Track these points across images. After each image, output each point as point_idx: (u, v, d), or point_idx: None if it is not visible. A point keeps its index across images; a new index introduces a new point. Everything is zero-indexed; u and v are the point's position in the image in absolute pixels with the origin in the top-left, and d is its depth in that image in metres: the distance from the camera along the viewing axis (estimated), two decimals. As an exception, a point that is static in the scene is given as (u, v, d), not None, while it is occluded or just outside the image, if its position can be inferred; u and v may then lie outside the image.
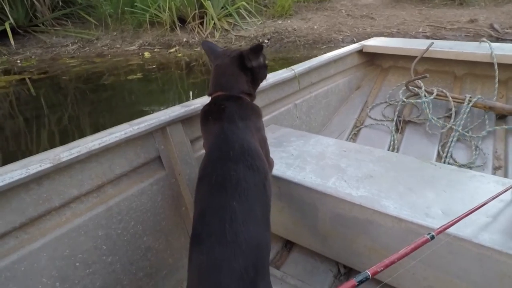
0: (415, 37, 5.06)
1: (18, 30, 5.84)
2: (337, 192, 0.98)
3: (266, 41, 5.37)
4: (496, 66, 1.70)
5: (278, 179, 1.06)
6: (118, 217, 0.94)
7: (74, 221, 0.85)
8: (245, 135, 0.80)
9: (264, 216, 0.73)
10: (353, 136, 1.83)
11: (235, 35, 5.66)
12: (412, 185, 0.99)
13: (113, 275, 0.93)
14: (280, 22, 6.07)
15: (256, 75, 0.91)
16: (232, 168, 0.72)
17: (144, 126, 0.96)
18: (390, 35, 5.17)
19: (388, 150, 1.66)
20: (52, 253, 0.80)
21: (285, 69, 1.55)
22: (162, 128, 1.02)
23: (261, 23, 5.99)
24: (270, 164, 0.92)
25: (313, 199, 1.03)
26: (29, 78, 4.48)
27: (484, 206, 0.83)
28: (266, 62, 0.93)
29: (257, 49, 0.85)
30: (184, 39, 5.66)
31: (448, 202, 0.91)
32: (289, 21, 6.12)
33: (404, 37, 5.07)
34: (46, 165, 0.75)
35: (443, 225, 0.69)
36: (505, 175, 1.41)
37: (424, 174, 1.04)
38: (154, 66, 4.73)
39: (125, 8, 5.90)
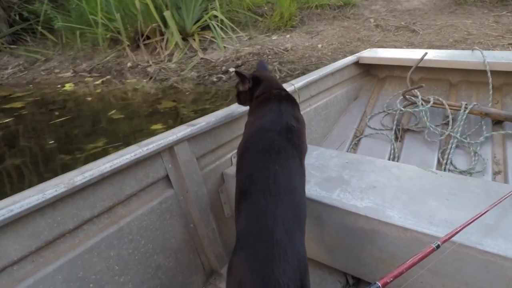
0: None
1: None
2: (343, 204, 1.00)
3: (231, 69, 3.90)
4: (489, 74, 1.75)
5: None
6: (129, 236, 0.95)
7: (87, 242, 0.87)
8: (293, 118, 0.98)
9: (300, 183, 0.87)
10: (354, 146, 1.86)
11: (201, 58, 4.25)
12: (415, 194, 1.02)
13: None
14: (275, 37, 4.57)
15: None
16: (275, 138, 0.89)
17: (152, 146, 0.99)
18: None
19: (389, 158, 1.69)
20: (67, 276, 0.82)
21: (285, 84, 1.59)
22: (169, 148, 1.05)
23: (249, 38, 4.52)
24: (305, 150, 1.06)
25: (319, 212, 1.05)
26: None
27: (486, 212, 0.86)
28: None
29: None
30: (129, 64, 4.39)
31: (451, 210, 0.93)
32: (288, 35, 4.60)
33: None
34: (61, 189, 0.78)
35: (448, 234, 0.71)
36: (505, 180, 1.44)
37: (425, 182, 1.07)
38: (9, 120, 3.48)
39: (65, 24, 4.78)
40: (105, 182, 0.90)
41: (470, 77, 1.94)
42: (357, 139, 1.89)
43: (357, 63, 2.16)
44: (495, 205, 0.87)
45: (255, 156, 0.87)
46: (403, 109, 1.84)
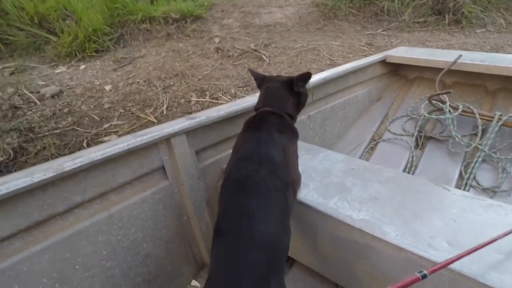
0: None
1: None
2: (338, 213, 0.95)
3: None
4: None
5: None
6: (119, 223, 0.97)
7: (76, 226, 0.89)
8: (275, 146, 0.87)
9: (282, 219, 0.78)
10: (370, 150, 1.76)
11: None
12: (419, 211, 0.93)
13: (111, 280, 0.97)
14: (62, 69, 3.12)
15: (300, 100, 1.04)
16: (254, 169, 0.80)
17: (147, 138, 0.98)
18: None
19: (405, 167, 1.58)
20: (54, 256, 0.85)
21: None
22: (166, 139, 1.05)
23: (11, 73, 3.02)
24: (295, 180, 0.95)
25: (313, 219, 1.01)
26: None
27: (498, 241, 0.76)
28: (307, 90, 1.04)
29: (306, 76, 0.98)
30: None
31: (456, 233, 0.85)
32: (84, 65, 3.17)
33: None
34: (49, 174, 0.80)
35: (439, 264, 0.64)
36: None
37: (434, 199, 0.98)
38: None
39: None
40: (97, 169, 0.91)
41: (511, 84, 1.75)
42: (374, 143, 1.79)
43: (383, 62, 2.02)
44: (507, 234, 0.78)
45: (232, 188, 0.80)
46: (427, 115, 1.70)
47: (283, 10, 4.65)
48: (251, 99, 1.27)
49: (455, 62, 1.71)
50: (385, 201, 0.98)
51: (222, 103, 2.72)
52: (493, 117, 1.55)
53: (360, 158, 1.70)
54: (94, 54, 3.40)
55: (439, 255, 0.78)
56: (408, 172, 1.55)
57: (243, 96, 2.79)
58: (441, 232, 0.85)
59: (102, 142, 2.27)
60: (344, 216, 0.93)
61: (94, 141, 2.31)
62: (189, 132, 1.10)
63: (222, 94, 2.84)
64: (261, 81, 1.07)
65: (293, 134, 0.98)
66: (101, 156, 0.88)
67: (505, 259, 0.77)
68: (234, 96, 2.83)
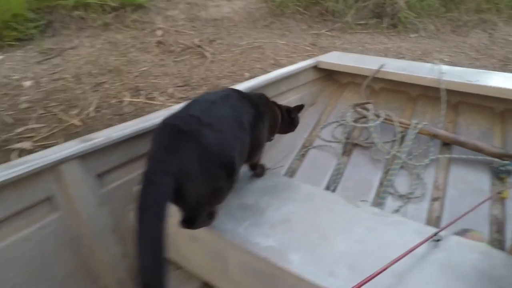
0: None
1: None
2: (245, 241, 0.90)
3: None
4: (442, 92, 1.66)
5: None
6: None
7: None
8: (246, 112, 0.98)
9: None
10: (301, 157, 1.76)
11: None
12: (327, 232, 0.92)
13: None
14: None
15: (293, 123, 1.32)
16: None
17: (25, 167, 0.84)
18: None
19: (332, 174, 1.60)
20: None
21: (224, 89, 1.45)
22: (52, 167, 0.91)
23: None
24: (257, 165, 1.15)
25: (222, 246, 0.95)
26: None
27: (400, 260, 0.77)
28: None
29: (300, 107, 1.31)
30: None
31: (357, 256, 0.85)
32: (0, 57, 2.81)
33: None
34: None
35: None
36: (442, 207, 1.38)
37: (343, 218, 0.98)
38: None
39: None
40: None
41: (429, 92, 1.86)
42: (305, 150, 1.79)
43: (315, 67, 2.03)
44: (402, 258, 0.79)
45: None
46: (352, 123, 1.74)
47: (231, 4, 4.55)
48: (163, 113, 1.17)
49: (377, 71, 1.77)
50: (296, 223, 0.96)
51: (157, 104, 2.59)
52: (410, 125, 1.63)
53: (290, 166, 1.69)
54: (15, 43, 2.99)
55: (337, 284, 0.77)
56: (335, 180, 1.57)
57: (181, 97, 2.67)
58: (344, 256, 0.84)
59: (12, 150, 1.97)
60: (251, 244, 0.89)
61: (2, 149, 1.95)
62: (85, 156, 0.98)
63: (159, 94, 2.66)
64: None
65: (276, 117, 1.19)
66: None
67: (397, 282, 0.78)
68: (172, 97, 2.66)
